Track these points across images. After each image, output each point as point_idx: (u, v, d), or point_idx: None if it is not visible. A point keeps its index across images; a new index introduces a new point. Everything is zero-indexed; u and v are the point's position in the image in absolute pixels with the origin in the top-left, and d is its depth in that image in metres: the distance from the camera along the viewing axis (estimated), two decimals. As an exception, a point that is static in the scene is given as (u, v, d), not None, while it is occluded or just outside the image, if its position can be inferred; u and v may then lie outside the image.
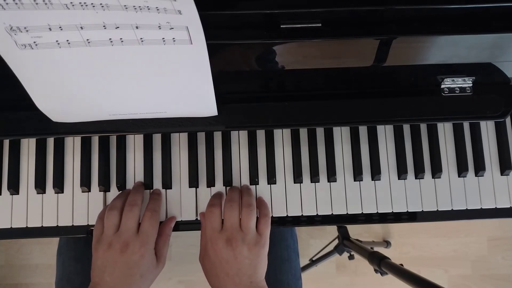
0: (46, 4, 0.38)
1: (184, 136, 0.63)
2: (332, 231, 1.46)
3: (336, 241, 1.25)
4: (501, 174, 0.64)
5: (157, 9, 0.39)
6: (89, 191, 0.62)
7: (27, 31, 0.40)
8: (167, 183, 0.62)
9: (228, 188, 0.62)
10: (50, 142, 0.62)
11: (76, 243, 0.72)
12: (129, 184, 0.62)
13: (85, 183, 0.61)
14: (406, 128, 0.64)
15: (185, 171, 0.62)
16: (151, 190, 0.62)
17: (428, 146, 0.64)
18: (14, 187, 0.61)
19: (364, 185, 0.63)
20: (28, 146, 0.62)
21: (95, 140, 0.62)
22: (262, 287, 0.55)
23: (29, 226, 0.61)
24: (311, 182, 0.63)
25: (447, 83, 0.56)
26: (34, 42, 0.42)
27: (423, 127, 0.64)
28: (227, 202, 0.57)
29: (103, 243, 0.54)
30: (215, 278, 0.55)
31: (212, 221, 0.56)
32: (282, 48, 0.51)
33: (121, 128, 0.56)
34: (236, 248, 0.54)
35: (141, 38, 0.42)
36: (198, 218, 0.61)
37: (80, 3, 0.38)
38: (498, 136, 0.64)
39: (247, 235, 0.55)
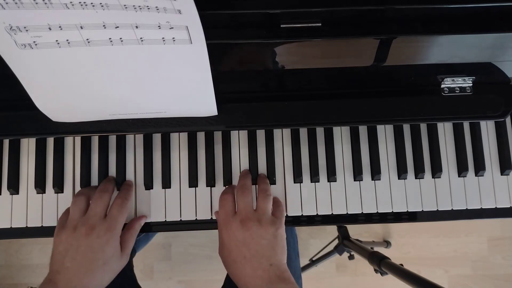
0: (46, 3, 0.38)
1: (184, 136, 0.63)
2: (332, 231, 1.46)
3: (336, 241, 1.25)
4: (501, 174, 0.64)
5: (157, 9, 0.39)
6: (89, 191, 0.62)
7: (27, 30, 0.40)
8: (166, 183, 0.62)
9: (241, 172, 0.62)
10: (50, 142, 0.62)
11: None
12: (129, 184, 0.62)
13: (85, 183, 0.61)
14: (406, 128, 0.64)
15: (185, 170, 0.62)
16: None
17: (428, 146, 0.64)
18: (14, 187, 0.61)
19: (364, 185, 0.63)
20: (28, 146, 0.62)
21: (95, 140, 0.62)
22: (284, 271, 0.52)
23: (29, 226, 0.61)
24: (311, 182, 0.63)
25: (447, 82, 0.56)
26: (34, 41, 0.42)
27: (423, 127, 0.64)
28: (239, 189, 0.57)
29: (67, 227, 0.53)
30: (233, 265, 0.53)
31: (225, 206, 0.56)
32: (282, 47, 0.51)
33: (121, 128, 0.56)
34: (251, 228, 0.52)
35: (141, 38, 0.42)
36: (198, 218, 0.61)
37: (80, 2, 0.38)
38: (498, 136, 0.64)
39: (263, 216, 0.54)
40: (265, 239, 0.52)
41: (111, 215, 0.55)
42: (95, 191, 0.57)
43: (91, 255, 0.51)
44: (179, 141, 0.63)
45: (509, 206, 0.63)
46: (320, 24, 0.47)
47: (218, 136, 0.63)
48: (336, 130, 0.64)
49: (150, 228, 0.62)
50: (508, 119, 0.65)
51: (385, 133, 0.64)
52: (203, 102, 0.52)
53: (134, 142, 0.63)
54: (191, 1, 0.38)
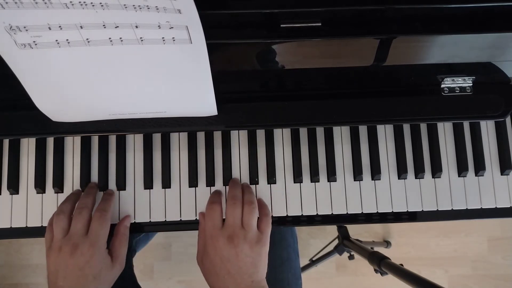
0: (45, 3, 0.38)
1: (184, 136, 0.63)
2: (332, 231, 1.46)
3: (336, 241, 1.25)
4: (501, 174, 0.64)
5: (157, 8, 0.39)
6: (89, 190, 0.62)
7: (26, 30, 0.40)
8: (166, 183, 0.61)
9: (229, 181, 0.62)
10: (50, 141, 0.62)
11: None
12: (129, 184, 0.62)
13: (85, 183, 0.61)
14: (406, 128, 0.64)
15: (184, 170, 0.62)
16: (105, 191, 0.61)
17: (428, 145, 0.64)
18: (14, 187, 0.61)
19: (364, 185, 0.63)
20: (28, 145, 0.62)
21: (95, 140, 0.62)
22: (263, 286, 0.55)
23: (29, 225, 0.61)
24: (311, 181, 0.63)
25: (447, 82, 0.56)
26: (34, 41, 0.42)
27: (423, 127, 0.64)
28: (229, 199, 0.57)
29: (53, 248, 0.54)
30: (215, 277, 0.54)
31: (213, 218, 0.56)
32: (282, 47, 0.51)
33: (121, 127, 0.56)
34: (238, 246, 0.53)
35: (140, 38, 0.42)
36: (198, 218, 0.61)
37: (79, 2, 0.38)
38: (498, 135, 0.64)
39: (249, 233, 0.54)
40: (250, 257, 0.54)
41: (92, 231, 0.54)
42: (75, 202, 0.57)
43: (80, 273, 0.52)
44: (179, 141, 0.63)
45: (509, 206, 0.63)
46: (320, 24, 0.47)
47: (218, 136, 0.63)
48: (336, 130, 0.64)
49: (150, 228, 0.62)
50: (508, 119, 0.65)
51: (385, 133, 0.64)
52: (203, 102, 0.52)
53: (134, 142, 0.63)
54: (191, 1, 0.38)
